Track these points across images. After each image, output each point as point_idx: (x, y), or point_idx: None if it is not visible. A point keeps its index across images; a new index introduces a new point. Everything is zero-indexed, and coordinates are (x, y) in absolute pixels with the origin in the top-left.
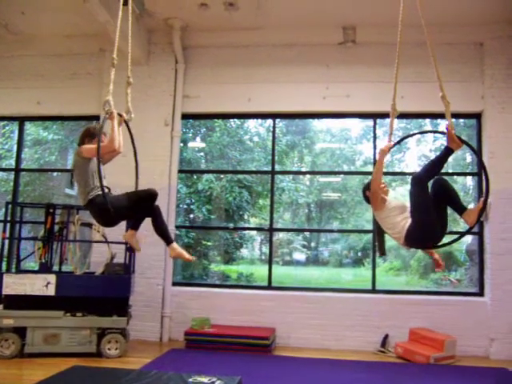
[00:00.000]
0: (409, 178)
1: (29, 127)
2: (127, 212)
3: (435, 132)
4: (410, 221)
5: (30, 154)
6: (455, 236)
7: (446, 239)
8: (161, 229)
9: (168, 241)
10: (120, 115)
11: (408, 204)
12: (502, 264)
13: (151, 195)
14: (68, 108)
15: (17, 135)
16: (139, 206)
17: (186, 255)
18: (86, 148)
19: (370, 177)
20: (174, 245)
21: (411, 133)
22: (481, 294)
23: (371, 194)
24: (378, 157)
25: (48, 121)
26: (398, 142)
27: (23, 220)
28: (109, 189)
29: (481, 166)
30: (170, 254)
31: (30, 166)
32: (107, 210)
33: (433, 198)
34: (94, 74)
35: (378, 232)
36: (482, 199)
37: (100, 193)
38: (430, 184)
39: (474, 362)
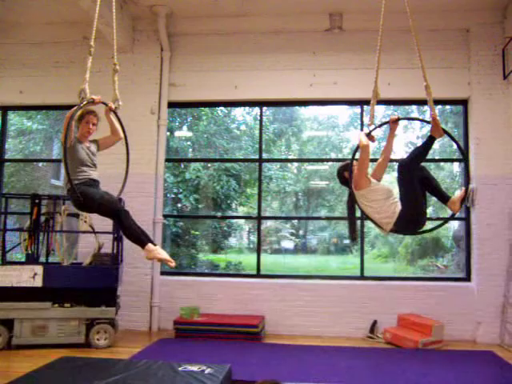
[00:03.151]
0: (396, 165)
1: (12, 117)
2: (95, 208)
3: (420, 120)
4: (399, 205)
5: (14, 144)
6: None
7: (431, 225)
8: (132, 236)
9: (142, 244)
10: (105, 104)
11: (392, 188)
12: (488, 249)
13: (117, 214)
14: (51, 97)
15: (0, 125)
16: (105, 213)
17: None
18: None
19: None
20: (150, 246)
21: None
22: (467, 279)
23: (357, 172)
24: (363, 144)
25: (31, 110)
26: (380, 126)
27: (8, 211)
28: (96, 181)
29: (462, 154)
30: (145, 256)
31: (15, 156)
32: (77, 196)
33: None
34: (77, 63)
35: (351, 217)
36: (464, 188)
37: (80, 181)
38: None
39: (462, 346)
